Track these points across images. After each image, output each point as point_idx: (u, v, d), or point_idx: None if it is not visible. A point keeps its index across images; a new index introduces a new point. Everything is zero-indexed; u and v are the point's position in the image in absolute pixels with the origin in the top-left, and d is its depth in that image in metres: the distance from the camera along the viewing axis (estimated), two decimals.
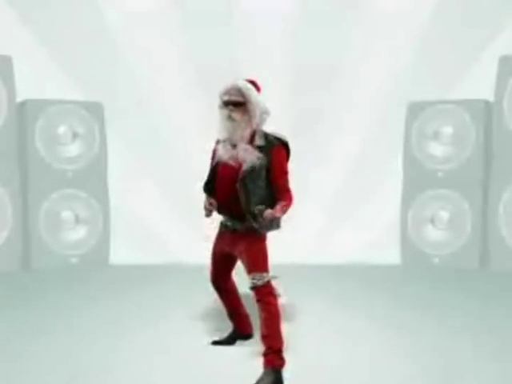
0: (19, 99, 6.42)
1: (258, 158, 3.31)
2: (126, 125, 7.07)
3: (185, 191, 6.98)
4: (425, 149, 6.75)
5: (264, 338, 3.25)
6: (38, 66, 6.66)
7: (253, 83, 3.48)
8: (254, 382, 3.15)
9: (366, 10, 7.12)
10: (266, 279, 3.27)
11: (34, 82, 6.44)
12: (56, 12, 6.86)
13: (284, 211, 3.23)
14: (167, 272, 6.26)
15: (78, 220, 6.75)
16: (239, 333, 3.90)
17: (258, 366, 3.25)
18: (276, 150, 3.36)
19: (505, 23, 6.79)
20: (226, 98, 3.37)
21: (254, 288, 3.27)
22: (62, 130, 6.64)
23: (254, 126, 3.38)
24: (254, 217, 3.26)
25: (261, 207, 3.24)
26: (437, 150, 6.71)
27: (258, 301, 3.28)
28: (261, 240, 3.40)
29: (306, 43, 7.09)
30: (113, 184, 6.91)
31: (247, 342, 3.87)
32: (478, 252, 6.56)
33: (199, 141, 6.90)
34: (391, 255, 6.82)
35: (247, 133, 3.36)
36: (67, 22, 6.87)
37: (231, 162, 3.37)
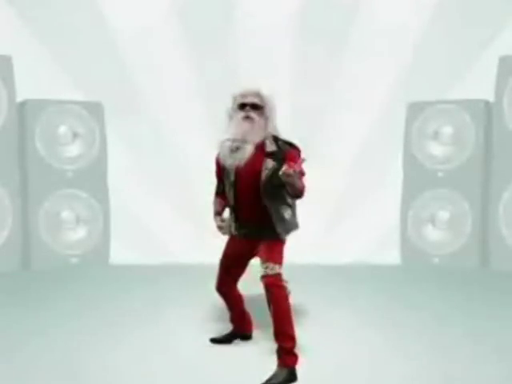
0: (19, 99, 6.42)
1: (269, 169, 3.34)
2: (126, 125, 7.08)
3: (185, 191, 7.00)
4: (425, 149, 6.75)
5: (275, 336, 3.27)
6: (37, 66, 6.66)
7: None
8: (257, 380, 3.15)
9: (366, 10, 7.13)
10: (277, 270, 3.27)
11: (33, 82, 6.44)
12: (56, 12, 6.86)
13: (298, 165, 3.16)
14: (167, 272, 6.26)
15: (78, 220, 6.75)
16: (239, 333, 3.90)
17: (258, 366, 3.25)
18: (288, 153, 3.38)
19: (505, 23, 6.79)
20: (244, 100, 3.41)
21: (265, 277, 3.28)
22: (62, 130, 6.64)
23: (270, 130, 3.41)
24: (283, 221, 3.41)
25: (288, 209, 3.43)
26: (437, 150, 6.71)
27: (267, 291, 3.27)
28: (280, 241, 3.46)
29: (305, 43, 7.10)
30: (113, 184, 6.92)
31: (248, 341, 3.88)
32: (478, 252, 6.56)
33: (199, 141, 6.94)
34: (391, 255, 6.83)
35: (261, 135, 3.39)
36: (67, 22, 6.88)
37: (237, 166, 3.39)
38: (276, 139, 3.44)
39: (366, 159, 7.19)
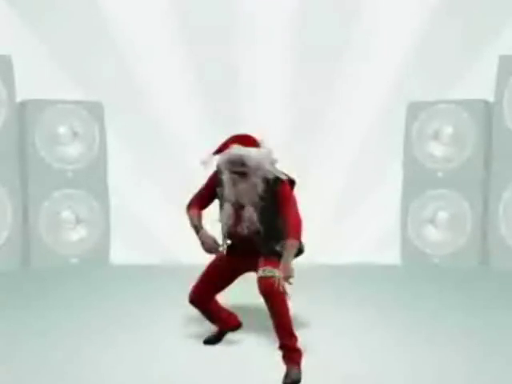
0: (19, 99, 6.42)
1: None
2: (126, 125, 7.07)
3: (185, 191, 6.99)
4: (425, 149, 6.75)
5: (277, 336, 3.27)
6: (37, 66, 6.66)
7: (250, 139, 3.49)
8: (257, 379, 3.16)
9: (367, 9, 7.13)
10: (275, 273, 3.26)
11: (33, 81, 6.44)
12: (56, 12, 6.86)
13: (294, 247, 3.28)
14: (167, 272, 6.26)
15: (78, 220, 6.75)
16: (226, 327, 3.88)
17: (256, 365, 3.26)
18: (278, 188, 3.42)
19: (505, 23, 6.79)
20: (229, 167, 3.42)
21: (261, 278, 3.26)
22: (62, 130, 6.64)
23: (259, 191, 3.43)
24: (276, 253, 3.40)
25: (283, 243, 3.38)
26: (437, 149, 6.71)
27: (263, 294, 3.25)
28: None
29: (305, 43, 7.10)
30: (113, 184, 6.92)
31: (246, 341, 3.88)
32: (478, 252, 6.56)
33: (199, 140, 6.94)
34: (391, 255, 6.82)
35: (251, 197, 3.43)
36: (67, 22, 6.87)
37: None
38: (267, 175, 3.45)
39: (366, 159, 7.19)
